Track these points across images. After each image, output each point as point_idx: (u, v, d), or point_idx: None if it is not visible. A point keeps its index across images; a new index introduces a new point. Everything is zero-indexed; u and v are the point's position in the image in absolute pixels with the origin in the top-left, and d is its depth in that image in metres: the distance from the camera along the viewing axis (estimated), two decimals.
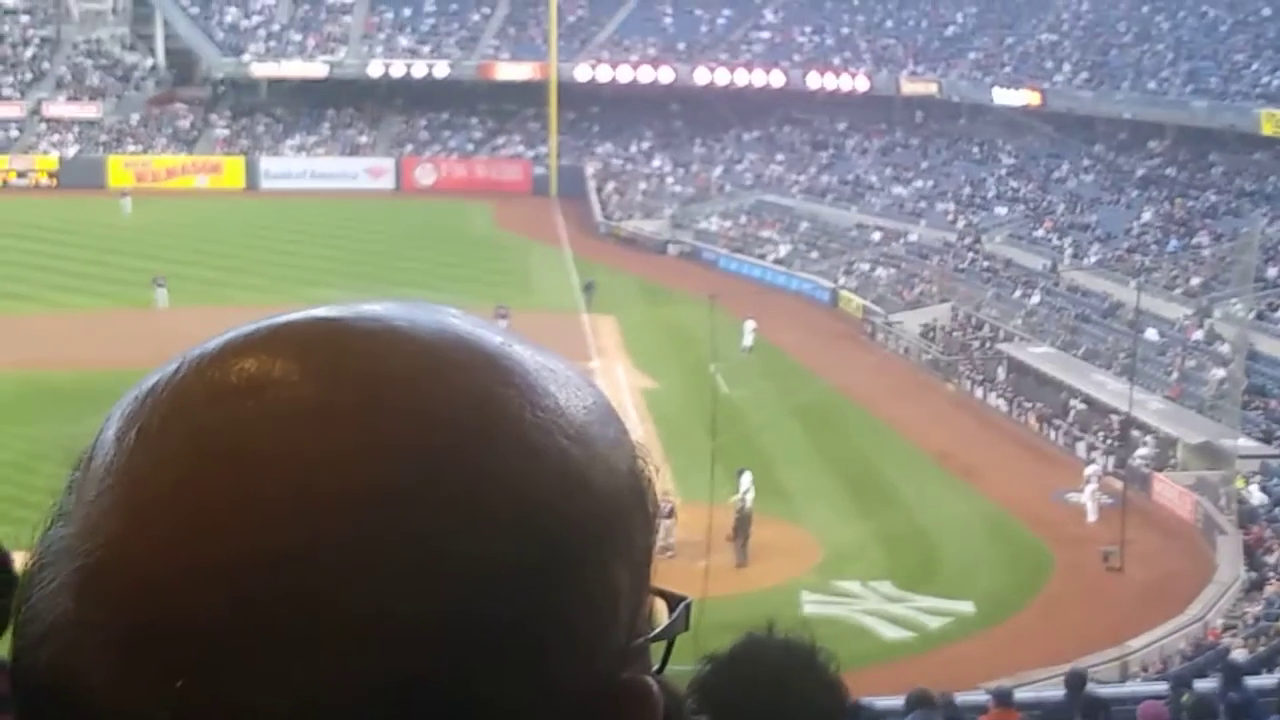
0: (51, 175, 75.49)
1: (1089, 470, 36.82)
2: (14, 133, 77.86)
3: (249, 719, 0.71)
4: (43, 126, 78.49)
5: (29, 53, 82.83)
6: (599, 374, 45.51)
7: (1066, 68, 67.68)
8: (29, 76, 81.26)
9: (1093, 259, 54.52)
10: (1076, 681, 15.21)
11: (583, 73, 78.52)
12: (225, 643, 0.71)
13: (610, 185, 74.44)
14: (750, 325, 48.78)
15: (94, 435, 0.78)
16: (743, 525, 32.25)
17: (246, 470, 0.73)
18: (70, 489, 0.78)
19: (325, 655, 0.71)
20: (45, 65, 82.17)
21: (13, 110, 78.87)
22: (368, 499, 0.72)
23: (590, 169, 75.81)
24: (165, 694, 0.71)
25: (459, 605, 0.73)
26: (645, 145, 78.11)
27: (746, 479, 33.05)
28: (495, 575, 0.73)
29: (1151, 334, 45.14)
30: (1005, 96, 68.12)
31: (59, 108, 79.39)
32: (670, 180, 74.53)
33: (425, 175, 77.94)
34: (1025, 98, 67.24)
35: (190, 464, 0.73)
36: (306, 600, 0.71)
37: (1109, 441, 39.79)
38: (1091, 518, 35.48)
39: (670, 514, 30.27)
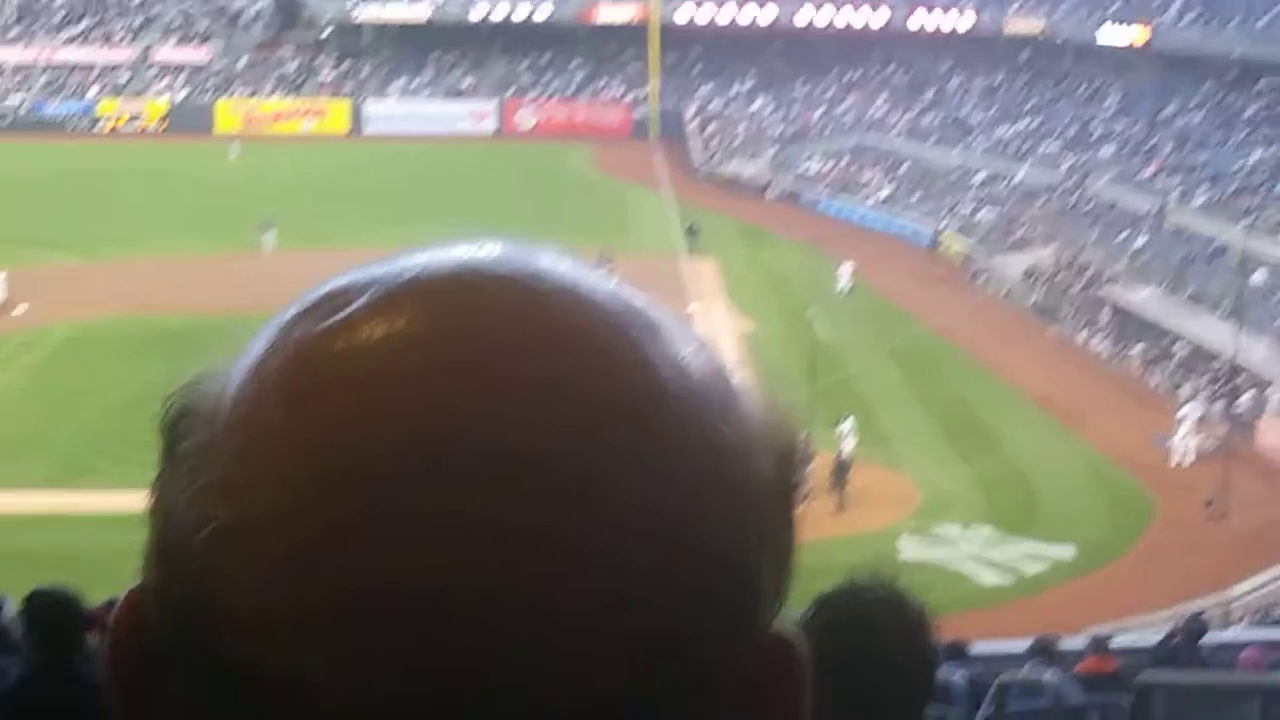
0: (161, 120, 76.66)
1: (1181, 413, 36.52)
2: (124, 78, 79.07)
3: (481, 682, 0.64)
4: (152, 71, 79.62)
5: None
6: (698, 318, 45.67)
7: (1175, 5, 66.46)
8: (138, 21, 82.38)
9: (1200, 200, 53.72)
10: (1180, 627, 15.19)
11: (683, 14, 78.26)
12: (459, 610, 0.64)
13: (711, 128, 74.26)
14: (847, 268, 48.61)
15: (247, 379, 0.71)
16: (842, 470, 32.38)
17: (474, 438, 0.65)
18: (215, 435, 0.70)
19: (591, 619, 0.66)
20: (155, 10, 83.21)
21: (122, 55, 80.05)
22: (581, 462, 0.66)
23: (690, 111, 75.67)
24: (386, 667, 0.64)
25: (695, 564, 0.67)
26: (746, 87, 77.77)
27: (848, 425, 33.18)
28: (719, 534, 0.68)
29: (1260, 276, 44.48)
30: (1112, 34, 67.04)
31: (168, 52, 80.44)
32: (771, 122, 74.22)
33: (527, 119, 78.20)
34: (1132, 35, 66.13)
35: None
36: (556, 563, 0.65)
37: (1214, 386, 39.39)
38: (1183, 461, 35.22)
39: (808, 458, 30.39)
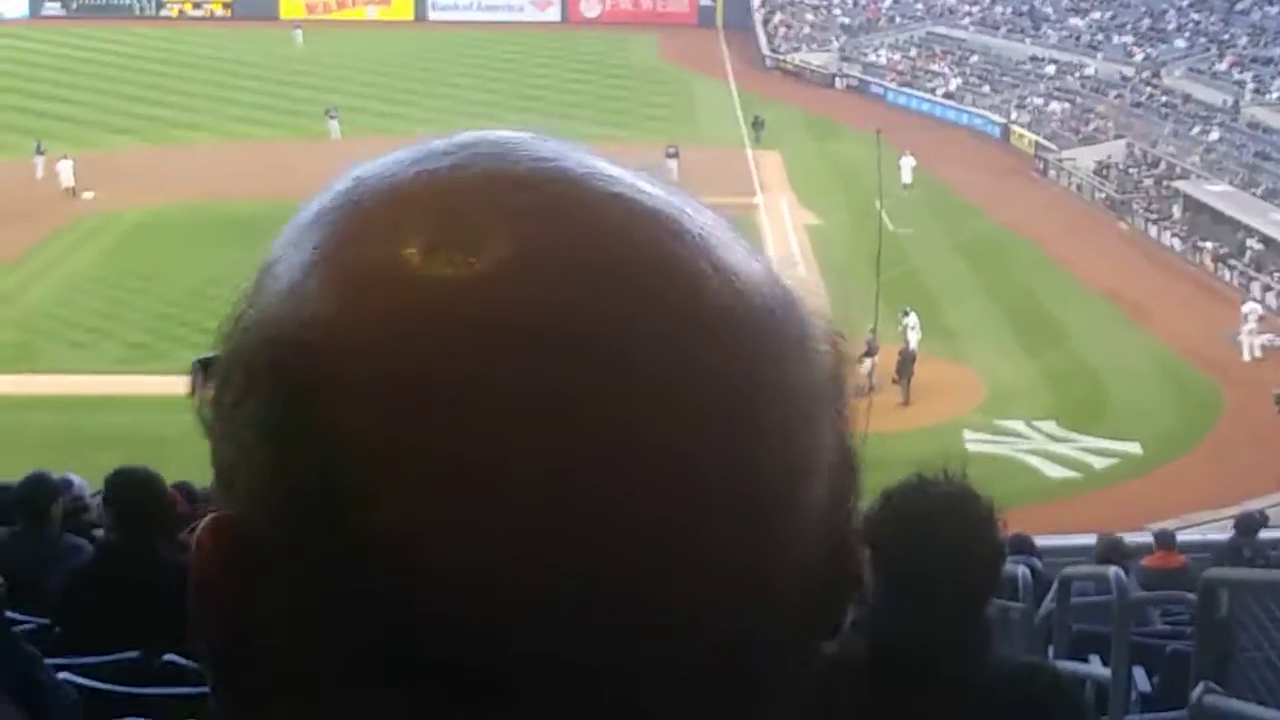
0: (225, 6, 76.59)
1: (1246, 308, 36.11)
2: None
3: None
4: None
5: None
6: (763, 210, 45.44)
7: None
8: None
9: (1276, 94, 52.72)
10: (1250, 524, 15.11)
11: None
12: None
13: (777, 16, 73.38)
14: (910, 162, 48.00)
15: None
16: (906, 363, 32.28)
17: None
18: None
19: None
20: None
21: None
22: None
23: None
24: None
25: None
26: None
27: (912, 318, 33.03)
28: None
29: None
30: None
31: None
32: (838, 11, 73.25)
33: (591, 6, 77.54)
34: None
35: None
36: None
37: None
38: (1247, 356, 34.92)
39: (870, 352, 30.38)
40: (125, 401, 29.85)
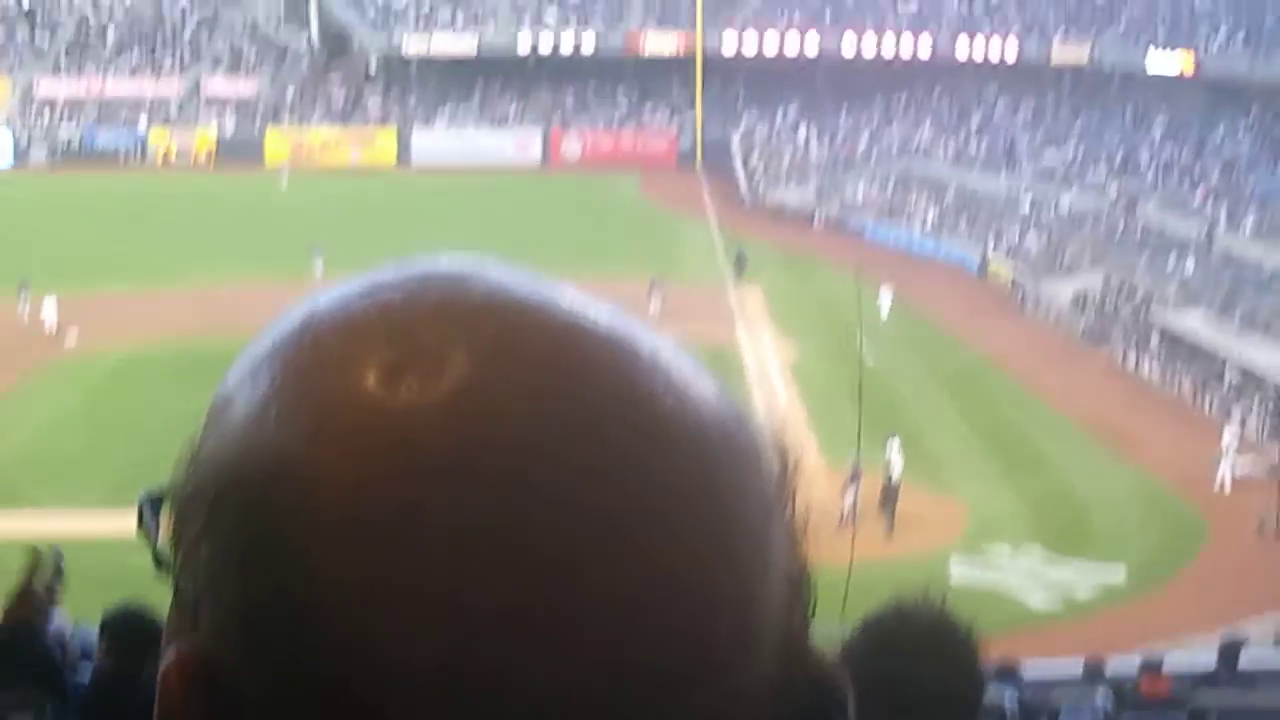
0: (210, 151, 77.42)
1: (1226, 437, 36.36)
2: (174, 110, 79.93)
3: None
4: (202, 103, 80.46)
5: (188, 32, 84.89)
6: (744, 344, 45.75)
7: (1223, 30, 66.25)
8: (188, 55, 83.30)
9: (1249, 225, 53.48)
10: (1234, 650, 15.16)
11: (729, 43, 78.52)
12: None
13: (756, 155, 74.42)
14: (886, 295, 48.39)
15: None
16: (891, 492, 32.36)
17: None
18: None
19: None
20: (204, 43, 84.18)
21: (173, 88, 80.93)
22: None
23: (736, 140, 75.85)
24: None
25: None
26: (791, 115, 77.91)
27: (894, 445, 33.19)
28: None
29: None
30: (1158, 61, 66.84)
31: (217, 85, 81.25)
32: (816, 149, 74.33)
33: (572, 148, 78.56)
34: (1179, 61, 65.92)
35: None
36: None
37: (1263, 410, 39.19)
38: (1229, 484, 35.09)
39: (855, 480, 30.48)
40: (107, 543, 29.74)
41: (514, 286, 0.72)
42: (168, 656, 0.72)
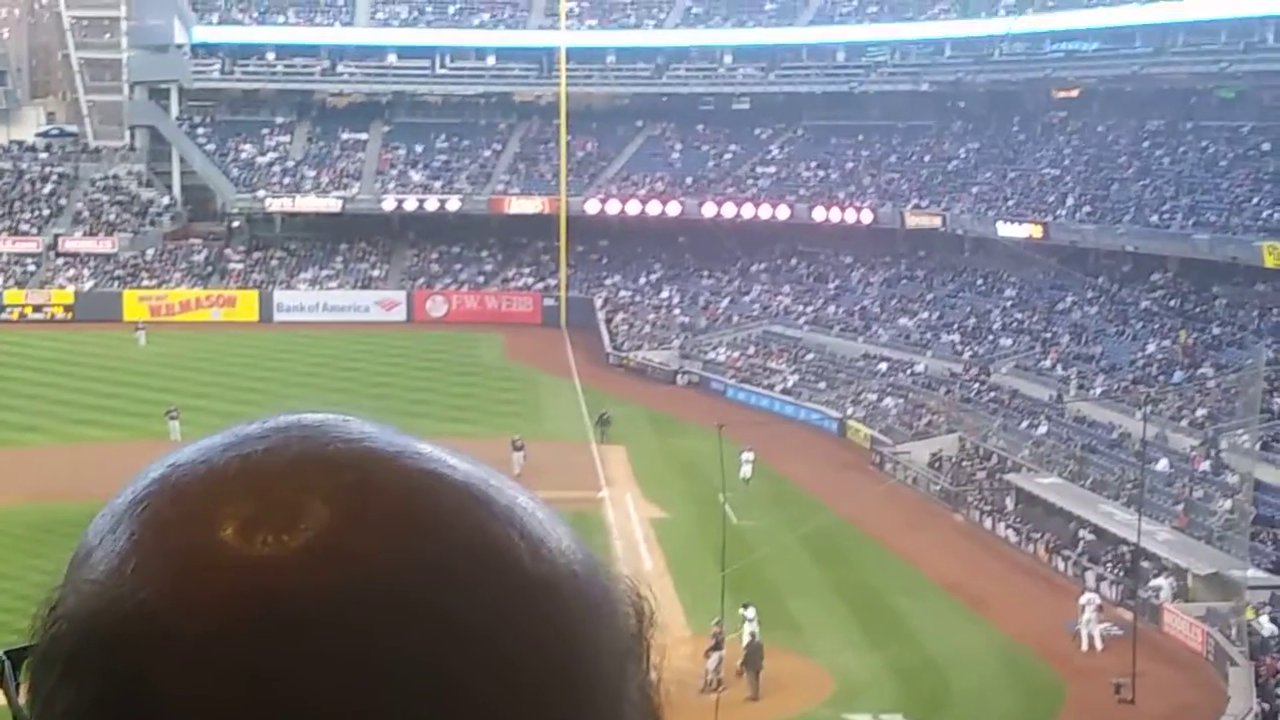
0: (67, 309, 76.32)
1: (1084, 600, 36.93)
2: (30, 267, 78.86)
3: None
4: (59, 261, 79.49)
5: (47, 189, 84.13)
6: (609, 504, 45.77)
7: (1069, 201, 68.50)
8: (47, 212, 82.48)
9: (1098, 390, 54.86)
10: None
11: (592, 206, 79.60)
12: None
13: (619, 316, 75.14)
14: (747, 456, 48.73)
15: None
16: (753, 658, 32.32)
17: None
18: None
19: None
20: (63, 201, 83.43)
21: (30, 245, 79.96)
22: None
23: (599, 300, 76.59)
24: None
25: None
26: (654, 277, 78.95)
27: (751, 612, 33.19)
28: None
29: (1161, 465, 45.39)
30: (1008, 230, 68.84)
31: (76, 242, 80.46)
32: (678, 311, 75.23)
33: (437, 307, 78.71)
34: (1028, 231, 67.95)
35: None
36: None
37: (1117, 572, 39.90)
38: (1086, 647, 35.58)
39: (718, 646, 30.45)
40: None
41: (374, 437, 0.75)
42: None
